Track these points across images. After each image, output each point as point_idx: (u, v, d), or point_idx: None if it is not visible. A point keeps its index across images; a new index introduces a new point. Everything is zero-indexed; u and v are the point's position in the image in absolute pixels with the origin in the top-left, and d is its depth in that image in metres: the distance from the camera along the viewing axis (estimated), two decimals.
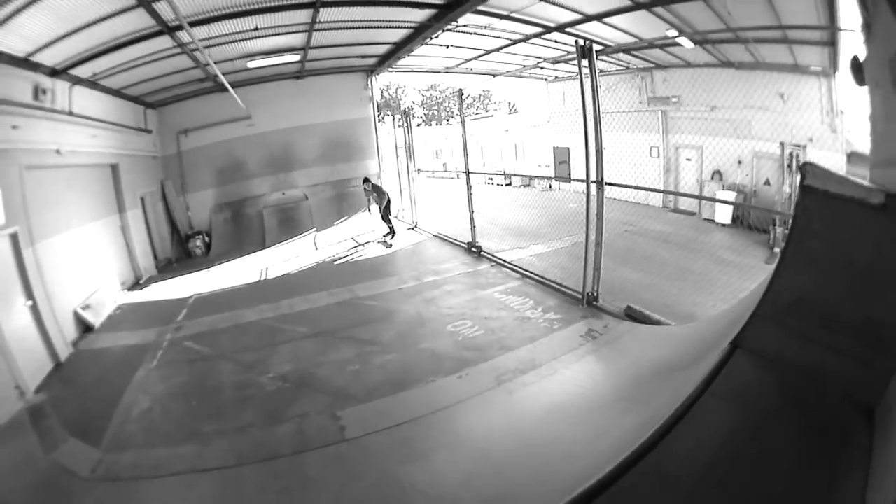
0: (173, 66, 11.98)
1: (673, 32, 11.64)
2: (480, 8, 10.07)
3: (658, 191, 15.53)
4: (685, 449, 2.40)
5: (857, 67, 3.51)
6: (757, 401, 2.63)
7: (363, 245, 13.50)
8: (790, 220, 2.95)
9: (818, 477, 2.13)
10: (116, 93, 12.63)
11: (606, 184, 6.75)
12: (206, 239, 16.23)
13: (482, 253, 10.51)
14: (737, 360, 2.80)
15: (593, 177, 6.68)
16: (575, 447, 3.76)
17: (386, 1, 10.34)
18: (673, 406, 2.59)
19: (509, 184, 22.24)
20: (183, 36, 9.63)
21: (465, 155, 10.34)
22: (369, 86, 17.79)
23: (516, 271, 8.86)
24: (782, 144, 13.21)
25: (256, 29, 10.22)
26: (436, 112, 45.33)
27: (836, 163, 11.48)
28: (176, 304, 10.63)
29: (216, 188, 16.93)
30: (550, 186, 19.12)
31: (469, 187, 10.45)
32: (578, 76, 6.48)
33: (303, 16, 10.05)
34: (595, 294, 6.88)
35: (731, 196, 14.15)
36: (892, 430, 2.08)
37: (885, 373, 2.33)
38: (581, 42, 6.40)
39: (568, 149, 15.08)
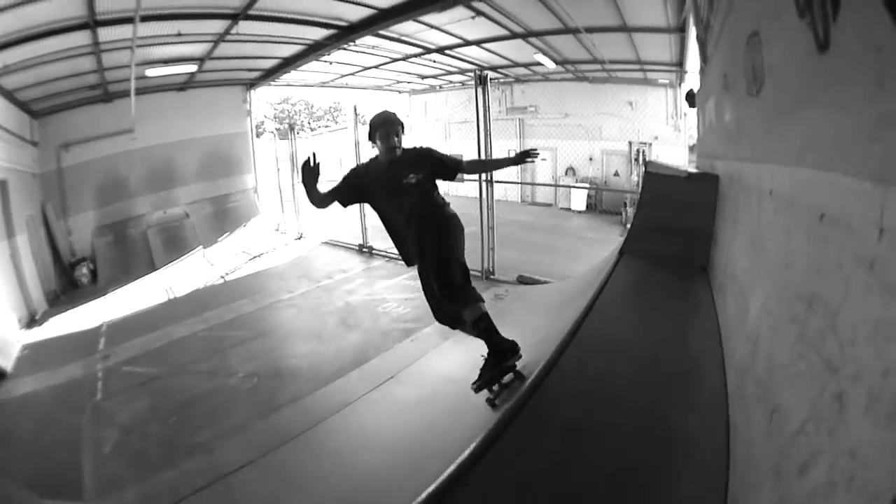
0: (72, 69, 11.62)
1: (541, 57, 13.95)
2: (380, 32, 11.51)
3: (532, 184, 18.03)
4: (602, 314, 4.24)
5: (690, 97, 7.18)
6: (639, 269, 5.05)
7: (258, 256, 14.14)
8: (638, 195, 6.10)
9: (683, 301, 4.45)
10: (8, 95, 11.77)
11: (496, 182, 9.11)
12: (91, 266, 15.47)
13: (373, 252, 11.95)
14: (624, 260, 5.22)
15: (485, 177, 8.99)
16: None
17: (298, 20, 11.21)
18: (588, 297, 4.46)
19: None
20: (103, 33, 9.58)
21: (357, 156, 12.00)
22: (248, 99, 18.38)
23: None
24: (630, 143, 16.18)
25: (179, 34, 10.57)
26: (286, 125, 46.54)
27: (679, 154, 14.37)
28: (89, 334, 10.35)
29: (97, 209, 16.11)
30: None
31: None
32: (475, 99, 8.64)
33: (219, 26, 10.64)
34: (492, 269, 8.88)
35: (582, 195, 17.04)
36: (716, 278, 4.40)
37: (703, 249, 4.88)
38: (479, 72, 8.46)
39: (461, 154, 17.14)
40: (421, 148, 4.06)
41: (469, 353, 5.55)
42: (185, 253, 16.05)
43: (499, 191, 15.85)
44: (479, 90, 8.56)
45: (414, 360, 6.39)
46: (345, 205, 4.04)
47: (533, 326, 5.58)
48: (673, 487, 2.52)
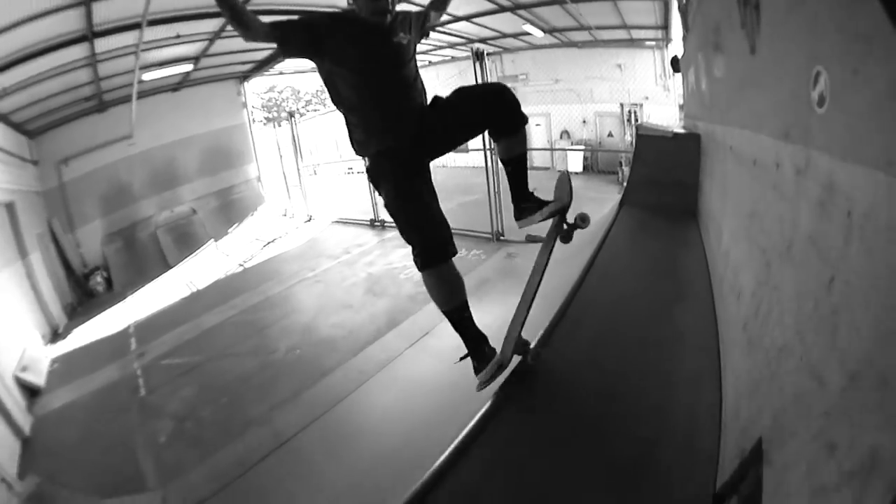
0: (65, 84, 11.66)
1: (529, 27, 14.61)
2: None
3: (530, 149, 18.73)
4: (611, 251, 4.99)
5: (675, 63, 8.06)
6: (638, 217, 5.96)
7: (272, 241, 14.63)
8: (632, 155, 7.03)
9: (676, 240, 5.27)
10: (3, 118, 11.84)
11: (492, 150, 9.70)
12: (105, 274, 15.60)
13: (385, 225, 12.50)
14: (625, 210, 6.11)
15: (490, 146, 9.75)
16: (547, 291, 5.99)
17: (290, 10, 10.99)
18: (594, 245, 5.16)
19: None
20: (100, 44, 9.72)
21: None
22: (242, 92, 18.74)
23: None
24: (622, 105, 16.93)
25: (178, 36, 10.80)
26: (276, 113, 46.71)
27: (669, 113, 15.02)
28: (118, 337, 10.52)
29: (103, 218, 16.26)
30: None
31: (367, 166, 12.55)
32: (473, 73, 9.26)
33: (215, 24, 10.92)
34: (501, 231, 9.70)
35: (579, 156, 17.81)
36: (703, 220, 5.19)
37: (691, 197, 5.69)
38: (476, 48, 9.17)
39: None
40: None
41: (496, 305, 6.02)
42: (197, 248, 16.31)
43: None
44: (477, 65, 9.22)
45: (443, 318, 6.93)
46: (285, 48, 2.74)
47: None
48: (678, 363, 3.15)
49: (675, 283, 4.28)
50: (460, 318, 2.96)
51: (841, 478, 1.20)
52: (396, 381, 5.96)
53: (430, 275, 2.87)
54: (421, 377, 5.85)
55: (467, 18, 14.01)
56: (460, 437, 2.65)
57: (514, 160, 3.23)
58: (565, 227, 3.28)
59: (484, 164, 10.09)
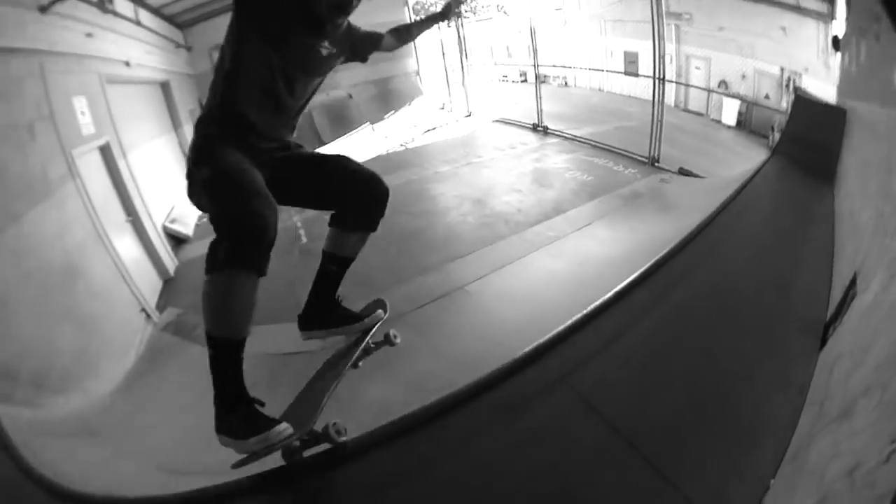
0: None
1: None
2: None
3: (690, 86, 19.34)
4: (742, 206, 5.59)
5: (836, 42, 9.58)
6: (782, 174, 6.72)
7: (433, 129, 15.70)
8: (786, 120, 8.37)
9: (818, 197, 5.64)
10: (156, 11, 12.98)
11: (661, 79, 11.29)
12: None
13: (548, 131, 13.29)
14: (773, 162, 7.05)
15: (658, 75, 11.01)
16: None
17: None
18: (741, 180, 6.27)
19: (525, 80, 22.51)
20: None
21: (534, 46, 14.10)
22: None
23: (586, 143, 11.85)
24: (782, 69, 17.18)
25: None
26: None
27: (826, 89, 15.25)
28: None
29: None
30: (566, 83, 20.95)
31: (537, 75, 13.58)
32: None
33: None
34: (657, 158, 10.64)
35: (735, 103, 17.35)
36: (839, 188, 5.54)
37: (832, 165, 5.94)
38: None
39: (636, 53, 18.60)
40: None
41: (645, 223, 7.37)
42: (352, 129, 17.35)
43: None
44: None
45: (606, 213, 8.06)
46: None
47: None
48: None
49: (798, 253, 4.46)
50: (229, 357, 2.23)
51: None
52: (563, 255, 6.85)
53: (223, 281, 2.18)
54: (585, 257, 6.68)
55: None
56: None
57: (345, 261, 3.02)
58: (372, 345, 3.02)
59: (648, 94, 11.14)
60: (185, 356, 5.98)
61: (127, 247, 7.75)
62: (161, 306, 7.62)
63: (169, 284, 8.48)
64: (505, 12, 23.29)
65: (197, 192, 2.41)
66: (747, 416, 2.42)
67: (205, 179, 2.32)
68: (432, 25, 3.53)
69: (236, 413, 2.17)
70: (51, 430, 3.77)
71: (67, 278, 5.67)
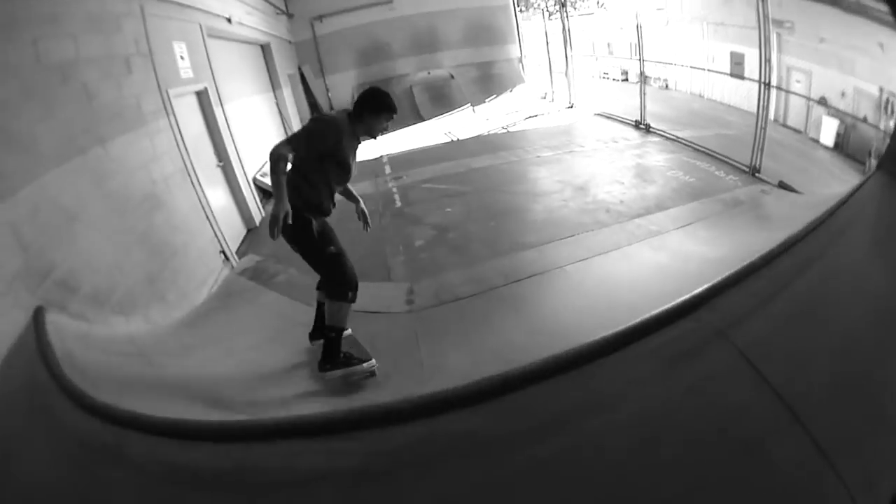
0: None
1: None
2: None
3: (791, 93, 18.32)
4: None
5: None
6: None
7: (534, 116, 15.45)
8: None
9: None
10: None
11: (770, 86, 10.77)
12: None
13: (650, 129, 12.83)
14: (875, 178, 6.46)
15: (764, 80, 10.57)
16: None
17: None
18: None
19: (626, 79, 22.76)
20: None
21: (640, 42, 13.64)
22: None
23: (687, 145, 11.42)
24: (881, 89, 16.07)
25: None
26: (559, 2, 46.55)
27: None
28: (369, 164, 11.56)
29: (358, 69, 18.38)
30: (667, 86, 20.17)
31: (642, 71, 13.25)
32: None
33: None
34: (758, 168, 10.10)
35: (834, 122, 16.33)
36: None
37: None
38: None
39: (743, 54, 17.72)
40: None
41: (742, 232, 7.10)
42: (451, 109, 17.72)
43: (751, 104, 15.86)
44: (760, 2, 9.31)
45: (706, 215, 7.64)
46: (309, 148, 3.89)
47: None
48: None
49: None
50: (339, 335, 4.15)
51: None
52: (665, 249, 6.58)
53: (344, 306, 4.08)
54: (688, 254, 6.37)
55: None
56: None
57: (326, 329, 4.25)
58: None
59: (747, 104, 10.84)
60: (259, 301, 6.09)
61: (214, 190, 7.86)
62: (242, 252, 7.78)
63: (252, 233, 8.68)
64: (604, 7, 22.86)
65: (299, 250, 4.18)
66: None
67: (317, 248, 4.10)
68: (353, 201, 4.63)
69: (337, 360, 4.18)
70: (97, 344, 3.68)
71: (148, 206, 5.69)
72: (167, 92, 6.80)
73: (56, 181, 4.18)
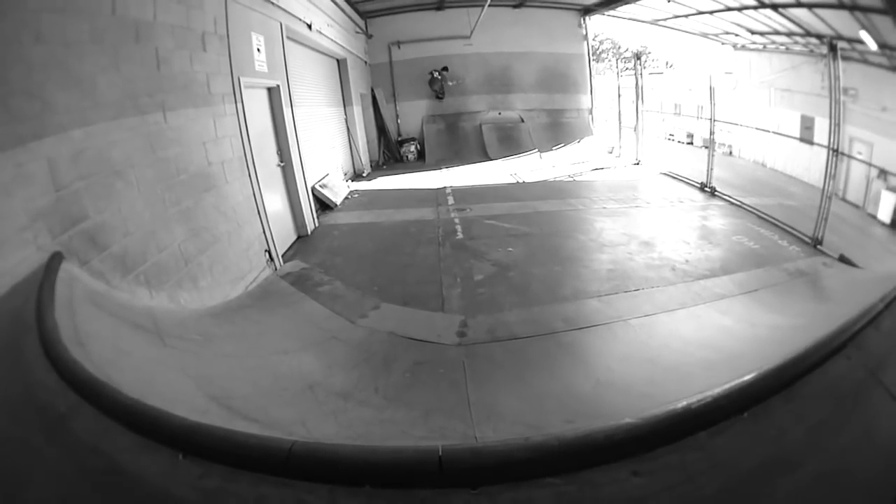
0: None
1: (864, 35, 13.10)
2: None
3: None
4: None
5: None
6: None
7: (601, 168, 15.07)
8: None
9: None
10: None
11: (839, 153, 9.69)
12: (419, 146, 17.47)
13: (715, 193, 12.15)
14: None
15: (833, 146, 9.59)
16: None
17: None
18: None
19: (691, 143, 22.53)
20: None
21: (713, 104, 12.70)
22: (583, 24, 18.96)
23: (751, 211, 10.86)
24: None
25: None
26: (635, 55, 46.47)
27: None
28: (432, 193, 11.72)
29: (430, 100, 18.08)
30: (731, 153, 20.11)
31: (712, 133, 12.59)
32: (828, 70, 9.28)
33: None
34: (820, 238, 9.38)
35: (893, 197, 15.04)
36: None
37: None
38: (830, 40, 8.79)
39: (813, 118, 16.77)
40: None
41: (802, 301, 6.56)
42: (518, 152, 17.38)
43: (810, 176, 15.19)
44: (831, 61, 8.79)
45: (771, 283, 7.06)
46: None
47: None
48: None
49: None
50: None
51: None
52: (731, 313, 6.02)
53: None
54: (755, 319, 5.88)
55: (809, 6, 12.98)
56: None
57: None
58: None
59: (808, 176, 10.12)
60: (297, 307, 5.64)
61: (271, 189, 7.67)
62: (287, 257, 7.47)
63: (302, 240, 8.46)
64: (671, 67, 22.56)
65: None
66: None
67: None
68: None
69: None
70: (109, 307, 3.24)
71: (198, 184, 5.39)
72: (239, 79, 6.63)
73: (107, 133, 3.93)
